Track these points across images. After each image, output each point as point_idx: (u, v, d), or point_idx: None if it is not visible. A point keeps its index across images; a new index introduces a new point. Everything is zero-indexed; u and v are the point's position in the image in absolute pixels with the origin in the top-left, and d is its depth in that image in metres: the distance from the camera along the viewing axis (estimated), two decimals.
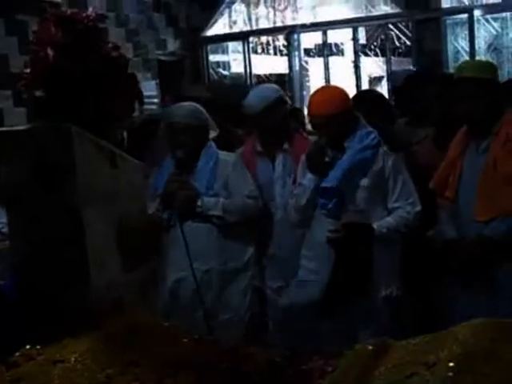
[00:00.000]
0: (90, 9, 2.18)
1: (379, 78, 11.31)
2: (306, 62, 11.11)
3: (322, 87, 5.11)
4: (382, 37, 10.17)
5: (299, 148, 3.86)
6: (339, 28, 10.35)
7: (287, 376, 1.58)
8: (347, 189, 3.50)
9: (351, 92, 7.20)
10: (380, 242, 3.44)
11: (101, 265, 1.99)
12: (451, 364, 1.34)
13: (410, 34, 9.62)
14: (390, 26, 9.80)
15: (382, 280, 3.49)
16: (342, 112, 3.51)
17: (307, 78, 11.09)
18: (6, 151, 1.97)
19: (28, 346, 1.70)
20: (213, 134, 4.01)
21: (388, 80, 9.76)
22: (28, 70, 2.08)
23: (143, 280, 2.22)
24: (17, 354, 1.69)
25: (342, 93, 3.67)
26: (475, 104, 3.24)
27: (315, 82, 10.99)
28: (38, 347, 1.69)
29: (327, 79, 10.19)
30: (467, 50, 9.23)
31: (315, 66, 11.09)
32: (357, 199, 3.51)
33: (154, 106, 9.15)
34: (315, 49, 11.21)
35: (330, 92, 3.79)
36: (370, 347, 1.54)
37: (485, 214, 3.25)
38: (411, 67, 9.21)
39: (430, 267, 3.67)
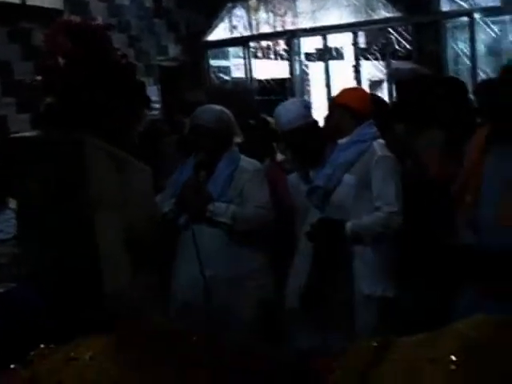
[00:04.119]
0: (99, 18, 2.23)
1: (379, 82, 11.37)
2: (307, 67, 11.17)
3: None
4: (383, 41, 10.24)
5: None
6: (339, 32, 10.42)
7: (297, 373, 1.63)
8: (332, 184, 3.59)
9: None
10: (356, 241, 3.51)
11: (113, 270, 2.04)
12: (453, 358, 1.38)
13: (410, 38, 9.69)
14: (390, 30, 9.87)
15: (364, 279, 3.55)
16: (343, 105, 3.77)
17: (308, 83, 11.16)
18: (19, 158, 2.02)
19: (42, 346, 1.75)
20: (237, 140, 4.04)
21: (389, 79, 9.83)
22: (39, 78, 2.13)
23: (153, 283, 2.26)
24: (32, 353, 1.74)
25: (358, 91, 4.15)
26: None
27: (316, 86, 11.06)
28: (52, 346, 1.74)
29: (328, 83, 10.24)
30: (467, 53, 9.29)
31: (316, 70, 11.16)
32: (341, 194, 3.58)
33: (155, 112, 9.21)
34: (316, 53, 11.28)
35: (351, 88, 4.40)
36: (374, 343, 1.58)
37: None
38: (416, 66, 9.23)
39: (448, 272, 3.66)
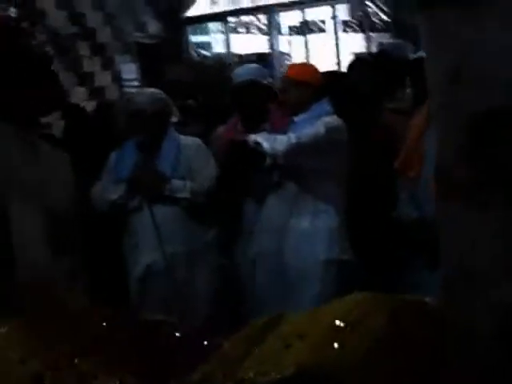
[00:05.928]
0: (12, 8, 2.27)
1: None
2: (288, 41, 11.13)
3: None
4: (361, 14, 10.21)
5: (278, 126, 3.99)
6: (317, 6, 10.39)
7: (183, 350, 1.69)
8: None
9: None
10: None
11: (30, 258, 2.05)
12: (319, 336, 1.45)
13: (387, 10, 9.68)
14: (368, 3, 9.85)
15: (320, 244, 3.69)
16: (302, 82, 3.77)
17: (288, 57, 11.13)
18: None
19: None
20: (174, 119, 4.12)
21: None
22: None
23: (73, 267, 2.29)
24: None
25: (311, 68, 4.10)
26: None
27: (296, 60, 11.02)
28: None
29: (307, 58, 10.23)
30: None
31: (296, 44, 11.12)
32: None
33: (133, 90, 9.19)
34: (296, 27, 11.24)
35: (306, 64, 4.58)
36: (263, 320, 1.64)
37: None
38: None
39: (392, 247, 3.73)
